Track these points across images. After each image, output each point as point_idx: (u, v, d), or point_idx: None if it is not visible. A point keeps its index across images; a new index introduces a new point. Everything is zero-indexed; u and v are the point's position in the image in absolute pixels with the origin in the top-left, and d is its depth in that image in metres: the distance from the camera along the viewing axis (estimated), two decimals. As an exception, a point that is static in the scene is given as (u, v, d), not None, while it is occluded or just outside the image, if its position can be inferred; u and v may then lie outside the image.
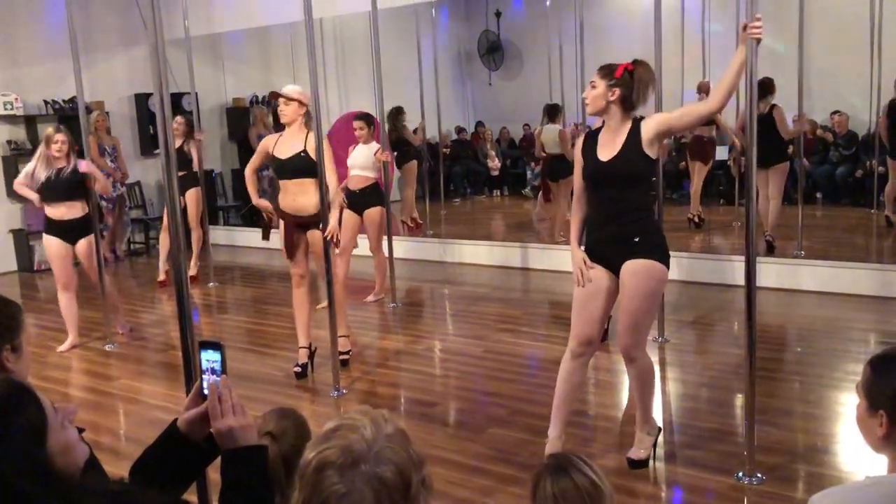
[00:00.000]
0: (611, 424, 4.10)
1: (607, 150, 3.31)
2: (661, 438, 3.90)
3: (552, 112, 8.50)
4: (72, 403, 1.51)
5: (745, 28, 3.11)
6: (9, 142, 9.06)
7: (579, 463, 1.87)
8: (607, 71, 3.28)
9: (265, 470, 1.59)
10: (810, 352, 5.01)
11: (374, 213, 6.49)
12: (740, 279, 3.38)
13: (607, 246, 3.37)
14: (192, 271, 7.95)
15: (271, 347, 5.79)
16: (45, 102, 9.20)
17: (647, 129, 3.26)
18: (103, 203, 8.66)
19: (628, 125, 3.29)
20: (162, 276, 7.78)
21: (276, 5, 8.35)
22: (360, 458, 1.22)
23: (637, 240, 3.28)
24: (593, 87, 3.29)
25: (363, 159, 6.40)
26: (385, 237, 6.64)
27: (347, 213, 6.29)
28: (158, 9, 2.62)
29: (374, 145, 6.42)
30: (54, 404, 1.38)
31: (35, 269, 9.01)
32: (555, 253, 7.89)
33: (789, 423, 3.95)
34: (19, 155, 9.03)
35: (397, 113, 8.89)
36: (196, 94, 8.17)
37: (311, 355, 5.03)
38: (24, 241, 9.06)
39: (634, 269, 3.29)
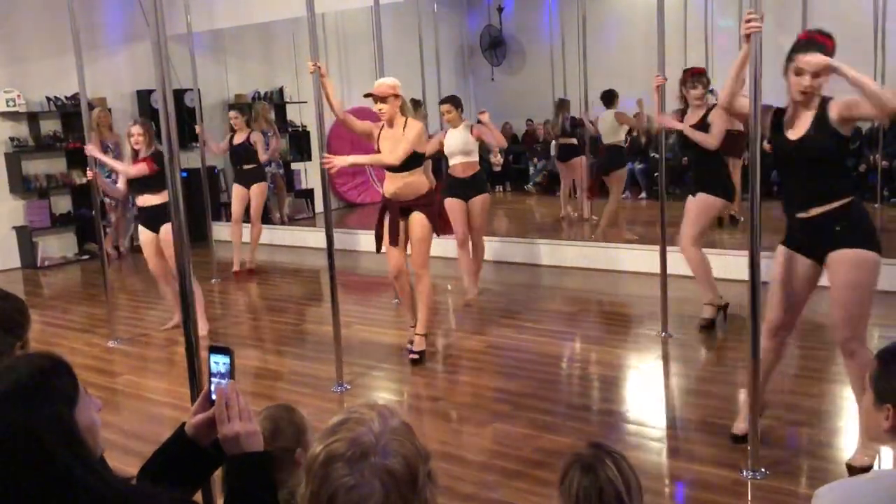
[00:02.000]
0: (613, 420, 4.10)
1: (796, 130, 3.19)
2: (664, 433, 3.91)
3: (608, 98, 8.48)
4: (98, 399, 1.53)
5: (747, 21, 3.11)
6: (11, 138, 9.07)
7: (618, 461, 1.78)
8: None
9: (270, 477, 1.58)
10: (814, 346, 5.01)
11: (479, 200, 6.31)
12: (744, 274, 3.37)
13: (804, 234, 3.25)
14: (250, 265, 8.05)
15: (273, 343, 5.80)
16: (48, 99, 9.21)
17: (836, 106, 3.12)
18: (107, 199, 8.68)
19: (816, 102, 3.15)
20: (236, 267, 8.00)
21: (279, 1, 8.34)
22: (368, 450, 1.23)
23: (838, 228, 3.14)
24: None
25: (461, 143, 6.18)
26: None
27: (454, 201, 6.27)
28: (161, 5, 2.62)
29: (467, 124, 6.21)
30: (86, 389, 1.42)
31: (38, 265, 9.03)
32: (557, 248, 7.90)
33: (793, 419, 3.95)
34: (22, 151, 9.05)
35: (416, 105, 8.88)
36: (198, 90, 8.17)
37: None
38: (27, 237, 9.08)
39: (840, 259, 3.16)
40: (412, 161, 4.78)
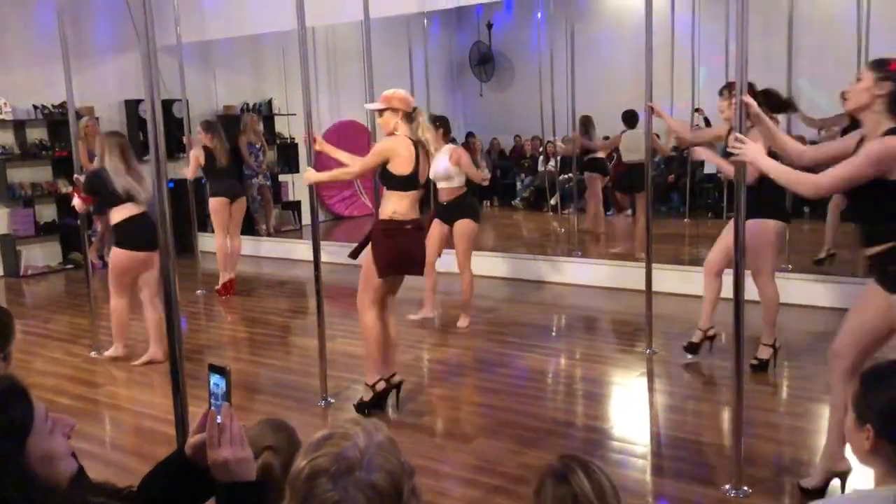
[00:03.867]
0: (598, 436, 4.09)
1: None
2: (648, 450, 3.92)
3: (630, 119, 8.59)
4: (71, 418, 1.48)
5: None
6: (-2, 146, 9.01)
7: (589, 468, 1.77)
8: (879, 63, 2.91)
9: None
10: (797, 365, 5.03)
11: (463, 225, 6.05)
12: (729, 292, 3.39)
13: (870, 268, 3.06)
14: (231, 276, 7.84)
15: (258, 355, 5.77)
16: (35, 107, 9.17)
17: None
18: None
19: (883, 130, 2.86)
20: (220, 286, 7.71)
21: (269, 14, 8.35)
22: (353, 465, 1.22)
23: (892, 269, 2.90)
24: (859, 80, 2.93)
25: (442, 169, 5.90)
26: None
27: (436, 222, 6.12)
28: (150, 15, 2.62)
29: (447, 148, 5.96)
30: (50, 413, 1.37)
31: (21, 274, 8.96)
32: (544, 264, 7.91)
33: (776, 437, 3.96)
34: (7, 159, 8.99)
35: (438, 124, 8.91)
36: (187, 101, 8.15)
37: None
38: (10, 246, 9.00)
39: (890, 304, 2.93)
40: (383, 179, 4.32)
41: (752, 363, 4.80)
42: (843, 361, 3.11)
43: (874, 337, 3.07)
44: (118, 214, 5.39)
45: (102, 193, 5.39)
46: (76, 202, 5.59)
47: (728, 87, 4.70)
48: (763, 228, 4.62)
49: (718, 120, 8.02)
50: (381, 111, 4.34)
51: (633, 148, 8.38)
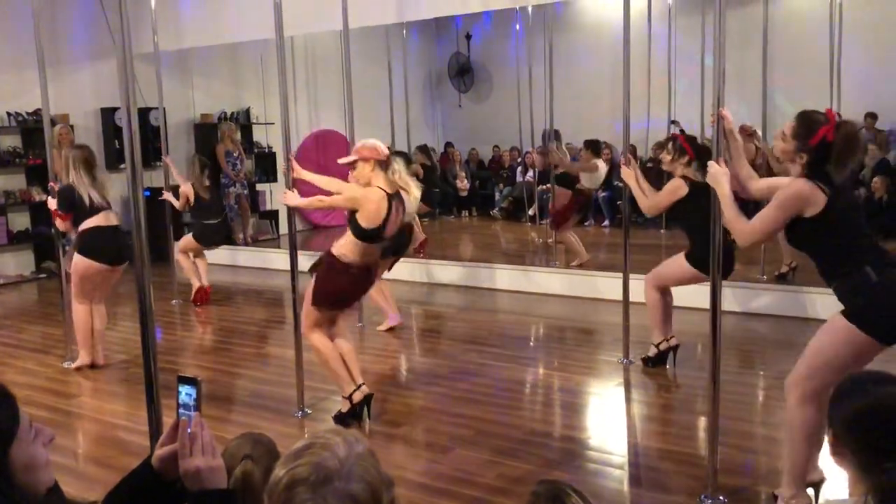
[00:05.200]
0: (575, 446, 4.10)
1: None
2: (625, 460, 3.93)
3: (596, 147, 8.50)
4: (51, 429, 1.46)
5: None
6: (-30, 153, 8.89)
7: (572, 497, 1.78)
8: (806, 127, 3.03)
9: None
10: (772, 375, 5.07)
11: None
12: (705, 302, 3.42)
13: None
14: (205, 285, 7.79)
15: (234, 366, 5.72)
16: (8, 114, 9.06)
17: None
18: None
19: (797, 173, 3.08)
20: (193, 295, 7.64)
21: (247, 22, 8.33)
22: (331, 475, 1.22)
23: (857, 300, 2.98)
24: (784, 137, 3.09)
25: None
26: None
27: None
28: (127, 23, 2.60)
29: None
30: (33, 422, 1.36)
31: (-7, 283, 8.83)
32: (522, 274, 7.93)
33: (752, 446, 3.99)
34: (-19, 167, 8.87)
35: (408, 160, 8.98)
36: (164, 109, 8.10)
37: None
38: (-18, 254, 8.88)
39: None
40: (349, 223, 4.24)
41: (642, 358, 5.26)
42: (801, 390, 3.11)
43: (836, 367, 3.00)
44: (88, 223, 5.40)
45: (78, 207, 5.37)
46: (59, 224, 5.54)
47: (671, 141, 5.19)
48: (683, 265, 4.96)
49: (695, 130, 8.14)
50: (352, 164, 4.25)
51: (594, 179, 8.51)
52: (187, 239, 7.75)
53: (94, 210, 5.39)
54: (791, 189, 3.02)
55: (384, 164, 4.23)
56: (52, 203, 5.53)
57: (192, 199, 7.52)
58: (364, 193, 4.18)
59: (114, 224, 5.50)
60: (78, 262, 5.49)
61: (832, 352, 3.02)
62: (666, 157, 5.11)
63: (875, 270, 2.94)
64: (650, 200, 5.02)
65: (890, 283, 2.95)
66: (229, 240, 9.36)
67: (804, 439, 3.10)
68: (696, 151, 4.99)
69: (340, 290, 4.32)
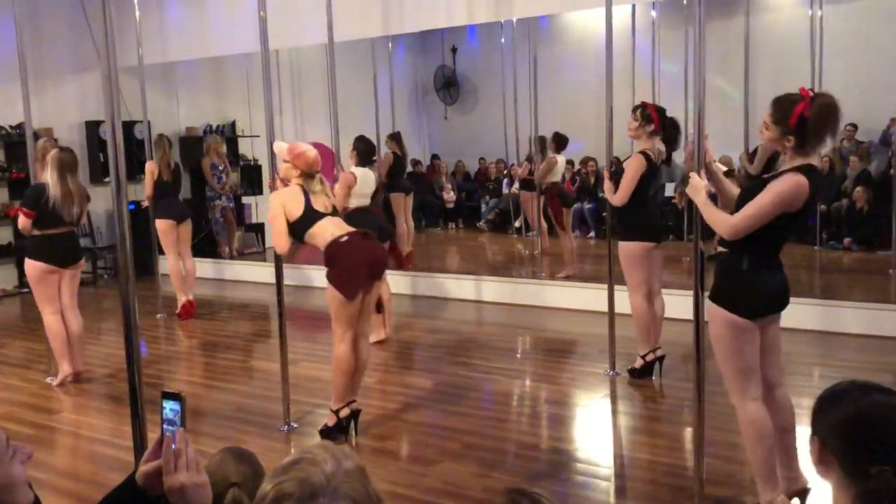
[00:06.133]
0: (562, 458, 4.10)
1: None
2: (611, 472, 3.93)
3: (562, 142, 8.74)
4: (29, 446, 1.45)
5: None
6: (-48, 167, 8.82)
7: (535, 498, 1.79)
8: (781, 111, 3.07)
9: None
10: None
11: None
12: (689, 313, 3.43)
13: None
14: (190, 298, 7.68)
15: (219, 380, 5.69)
16: (-9, 127, 9.01)
17: None
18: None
19: (790, 166, 3.08)
20: (179, 309, 7.56)
21: (232, 36, 8.33)
22: (317, 491, 1.21)
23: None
24: (766, 128, 3.13)
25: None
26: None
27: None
28: (112, 35, 2.60)
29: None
30: (10, 440, 1.34)
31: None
32: (509, 286, 7.94)
33: (738, 457, 4.00)
34: (-37, 180, 8.80)
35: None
36: (149, 122, 8.06)
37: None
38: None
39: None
40: (294, 235, 4.28)
41: (628, 369, 5.27)
42: (734, 395, 3.24)
43: (740, 355, 3.16)
44: (43, 230, 5.33)
45: (42, 208, 5.29)
46: (20, 221, 5.39)
47: (641, 108, 5.12)
48: (628, 250, 5.06)
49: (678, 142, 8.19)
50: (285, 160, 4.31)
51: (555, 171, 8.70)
52: (162, 227, 7.48)
53: (54, 215, 5.29)
54: (790, 183, 2.98)
55: (309, 176, 4.29)
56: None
57: (155, 175, 7.37)
58: (278, 196, 4.25)
59: (69, 230, 5.42)
60: (27, 267, 5.43)
61: (725, 349, 3.17)
62: (633, 124, 5.01)
63: (750, 262, 3.11)
64: (618, 195, 5.00)
65: (754, 274, 3.12)
66: (211, 239, 9.15)
67: (757, 439, 3.19)
68: (663, 124, 4.98)
69: (345, 262, 4.17)
